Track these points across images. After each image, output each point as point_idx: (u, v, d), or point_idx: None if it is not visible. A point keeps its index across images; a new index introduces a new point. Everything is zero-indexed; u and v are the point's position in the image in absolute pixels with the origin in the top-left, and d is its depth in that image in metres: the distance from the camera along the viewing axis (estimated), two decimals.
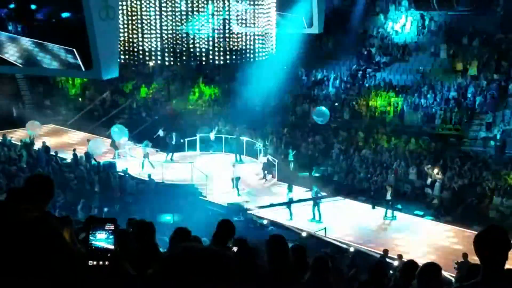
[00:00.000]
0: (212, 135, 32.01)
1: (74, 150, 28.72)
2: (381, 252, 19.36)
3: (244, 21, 19.32)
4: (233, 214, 22.83)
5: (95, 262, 2.85)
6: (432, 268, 6.00)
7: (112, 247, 2.97)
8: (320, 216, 24.50)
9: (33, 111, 39.10)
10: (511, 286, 3.83)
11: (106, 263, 2.89)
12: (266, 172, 29.07)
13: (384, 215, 25.07)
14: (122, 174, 27.26)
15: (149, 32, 18.36)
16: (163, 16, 18.43)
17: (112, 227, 3.03)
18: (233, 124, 34.08)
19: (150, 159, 29.08)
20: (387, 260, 18.10)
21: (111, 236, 2.99)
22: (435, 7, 33.54)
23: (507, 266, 3.82)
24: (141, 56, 18.86)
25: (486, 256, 3.77)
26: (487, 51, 32.93)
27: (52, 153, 28.90)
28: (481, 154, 28.45)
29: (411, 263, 7.66)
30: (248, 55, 20.22)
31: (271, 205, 25.93)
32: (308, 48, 36.58)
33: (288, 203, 25.29)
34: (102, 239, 2.95)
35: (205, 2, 18.56)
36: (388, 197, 25.05)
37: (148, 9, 18.24)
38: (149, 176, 26.97)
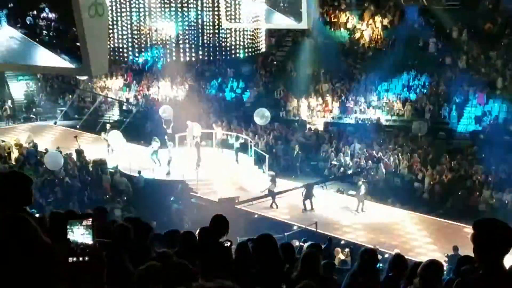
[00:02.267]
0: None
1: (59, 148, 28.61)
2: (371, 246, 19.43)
3: (233, 17, 19.29)
4: (225, 210, 22.85)
5: (75, 259, 2.81)
6: (435, 265, 6.00)
7: (91, 242, 2.94)
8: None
9: (22, 108, 39.13)
10: (510, 281, 3.79)
11: (86, 258, 2.86)
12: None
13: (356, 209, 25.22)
14: (113, 171, 27.22)
15: (138, 28, 18.32)
16: (152, 13, 18.38)
17: (89, 222, 3.00)
18: (223, 120, 34.16)
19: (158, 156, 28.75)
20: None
21: (90, 231, 2.96)
22: (423, 1, 33.63)
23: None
24: (130, 53, 18.83)
25: (486, 251, 3.71)
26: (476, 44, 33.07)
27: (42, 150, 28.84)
28: (470, 147, 28.61)
29: (399, 257, 7.66)
30: (237, 50, 20.19)
31: (253, 199, 26.00)
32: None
33: (269, 195, 25.57)
34: (80, 235, 2.91)
35: None
36: (362, 192, 25.18)
37: (136, 6, 18.19)
38: (139, 172, 26.92)
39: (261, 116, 28.56)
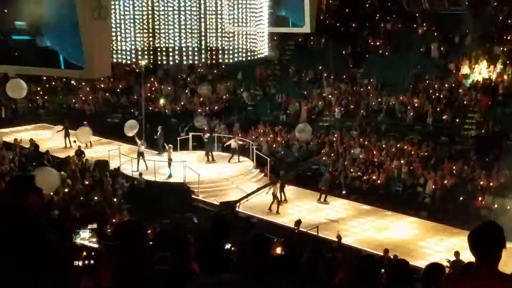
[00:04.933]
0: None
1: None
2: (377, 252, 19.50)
3: (236, 20, 19.28)
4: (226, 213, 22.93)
5: (80, 262, 2.77)
6: (436, 269, 5.98)
7: (96, 246, 2.92)
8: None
9: (25, 110, 39.14)
10: (503, 283, 3.79)
11: (92, 262, 2.82)
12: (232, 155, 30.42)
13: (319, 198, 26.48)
14: (114, 172, 27.22)
15: (141, 31, 18.33)
16: (155, 15, 18.39)
17: (95, 226, 2.99)
18: (226, 122, 34.26)
19: (145, 158, 28.91)
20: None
21: (95, 235, 2.95)
22: (426, 6, 33.65)
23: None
24: (133, 55, 18.81)
25: (480, 253, 3.74)
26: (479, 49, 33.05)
27: (43, 151, 28.90)
28: (472, 152, 28.55)
29: (402, 262, 7.66)
30: (240, 54, 20.15)
31: (248, 195, 26.11)
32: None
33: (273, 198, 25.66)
34: (86, 238, 2.90)
35: (197, 0, 18.52)
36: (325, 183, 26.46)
37: (140, 9, 18.20)
38: (140, 175, 26.91)
39: (300, 131, 28.73)
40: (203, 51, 18.99)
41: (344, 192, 27.71)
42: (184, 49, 18.79)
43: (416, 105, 32.07)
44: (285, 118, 34.75)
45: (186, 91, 38.75)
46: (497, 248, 3.75)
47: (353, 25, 37.67)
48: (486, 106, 30.32)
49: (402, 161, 28.39)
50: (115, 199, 24.47)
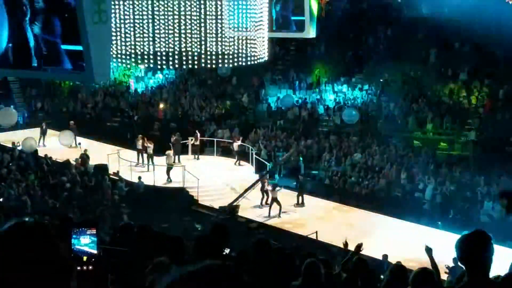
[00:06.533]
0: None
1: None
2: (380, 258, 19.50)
3: (236, 25, 19.27)
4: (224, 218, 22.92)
5: (79, 268, 2.75)
6: (426, 273, 6.01)
7: (95, 251, 2.89)
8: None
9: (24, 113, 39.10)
10: None
11: (90, 268, 2.81)
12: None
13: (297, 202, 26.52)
14: (114, 177, 27.21)
15: (141, 35, 18.31)
16: (155, 20, 18.38)
17: (94, 232, 2.95)
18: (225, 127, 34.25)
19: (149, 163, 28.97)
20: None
21: (94, 240, 2.91)
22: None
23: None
24: (133, 59, 18.78)
25: (467, 260, 3.72)
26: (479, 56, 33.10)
27: (42, 155, 28.89)
28: (471, 158, 28.57)
29: (400, 267, 7.65)
30: (240, 59, 20.13)
31: (243, 192, 26.34)
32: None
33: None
34: (85, 244, 2.86)
35: (197, 5, 18.51)
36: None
37: (140, 13, 18.19)
38: (139, 178, 26.87)
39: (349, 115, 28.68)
40: (202, 56, 18.99)
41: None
42: (184, 53, 18.78)
43: (416, 110, 32.12)
44: (283, 123, 34.76)
45: (186, 95, 38.75)
46: (486, 257, 3.72)
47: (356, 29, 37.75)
48: (489, 111, 30.39)
49: (401, 166, 28.34)
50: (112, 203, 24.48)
